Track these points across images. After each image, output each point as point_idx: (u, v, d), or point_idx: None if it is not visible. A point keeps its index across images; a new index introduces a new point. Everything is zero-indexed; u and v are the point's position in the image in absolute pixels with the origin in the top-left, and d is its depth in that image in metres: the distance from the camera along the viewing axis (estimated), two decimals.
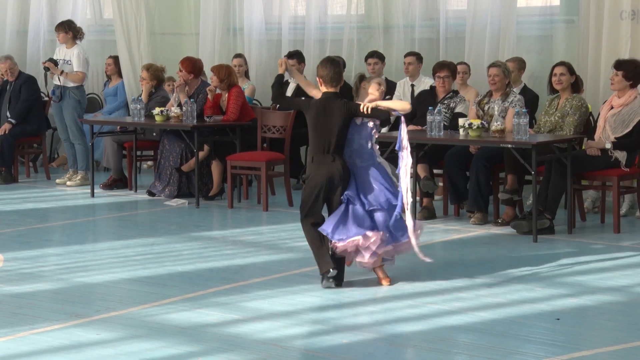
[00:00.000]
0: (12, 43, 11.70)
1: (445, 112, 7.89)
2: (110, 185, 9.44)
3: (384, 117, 5.65)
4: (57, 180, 9.85)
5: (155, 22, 10.98)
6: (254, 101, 9.88)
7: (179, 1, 10.99)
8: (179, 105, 8.77)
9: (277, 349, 4.48)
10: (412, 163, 6.02)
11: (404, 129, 5.54)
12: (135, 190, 9.27)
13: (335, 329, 4.81)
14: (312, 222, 5.61)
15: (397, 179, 5.58)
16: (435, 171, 7.97)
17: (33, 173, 10.57)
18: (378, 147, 5.70)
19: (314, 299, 5.38)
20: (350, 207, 5.50)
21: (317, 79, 5.68)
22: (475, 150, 7.65)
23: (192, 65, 8.97)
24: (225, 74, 8.74)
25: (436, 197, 8.23)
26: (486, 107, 7.71)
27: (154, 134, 9.39)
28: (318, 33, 10.14)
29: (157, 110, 8.67)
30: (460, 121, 7.37)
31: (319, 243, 5.56)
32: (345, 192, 5.51)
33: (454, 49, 9.37)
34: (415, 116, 8.19)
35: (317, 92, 5.81)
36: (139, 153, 9.63)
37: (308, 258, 6.42)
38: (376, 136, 5.65)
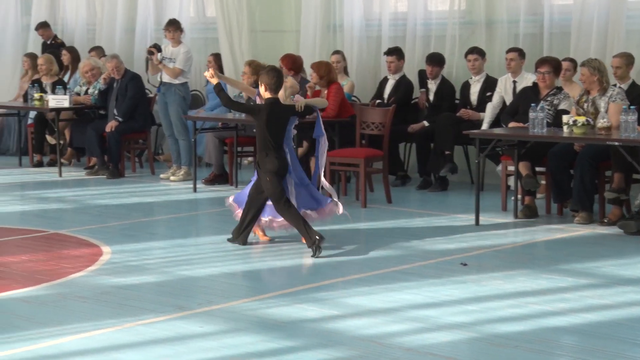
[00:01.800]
0: (122, 41, 12.04)
1: (549, 109, 7.71)
2: (211, 181, 9.61)
3: (311, 111, 6.75)
4: (161, 175, 10.09)
5: (256, 19, 11.12)
6: (353, 98, 9.89)
7: None
8: None
9: (376, 346, 4.47)
10: (515, 161, 6.93)
11: (320, 118, 6.82)
12: (236, 186, 9.41)
13: (435, 327, 4.77)
14: (289, 204, 6.46)
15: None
16: (537, 169, 7.81)
17: (138, 168, 10.86)
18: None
19: (414, 296, 5.35)
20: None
21: (262, 84, 6.57)
22: (579, 148, 7.46)
23: (293, 62, 9.04)
24: (325, 70, 8.78)
25: (538, 196, 8.07)
26: (585, 106, 7.52)
27: (254, 130, 9.48)
28: (419, 29, 10.07)
29: None
30: (564, 118, 7.20)
31: (300, 219, 6.44)
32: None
33: (558, 44, 9.16)
34: (517, 113, 8.05)
35: (248, 87, 7.34)
36: (239, 149, 9.77)
37: (407, 255, 6.40)
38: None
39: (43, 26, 12.24)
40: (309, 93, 8.83)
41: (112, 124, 10.06)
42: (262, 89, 6.60)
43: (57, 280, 5.70)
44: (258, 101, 6.82)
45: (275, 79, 6.52)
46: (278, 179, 6.51)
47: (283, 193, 6.50)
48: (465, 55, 9.19)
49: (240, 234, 6.71)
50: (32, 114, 11.23)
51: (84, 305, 5.18)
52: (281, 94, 6.70)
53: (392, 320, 4.89)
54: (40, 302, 5.25)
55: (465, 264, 6.07)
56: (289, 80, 7.02)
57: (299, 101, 6.70)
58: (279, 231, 6.85)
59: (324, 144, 6.83)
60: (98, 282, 5.67)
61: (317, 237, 6.34)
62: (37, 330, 4.70)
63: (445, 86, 9.40)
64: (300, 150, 8.67)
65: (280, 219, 6.64)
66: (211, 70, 6.91)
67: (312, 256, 6.32)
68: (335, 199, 6.79)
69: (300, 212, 6.54)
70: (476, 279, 5.70)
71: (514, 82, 8.80)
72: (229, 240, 6.78)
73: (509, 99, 8.70)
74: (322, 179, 6.80)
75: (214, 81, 6.81)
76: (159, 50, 9.69)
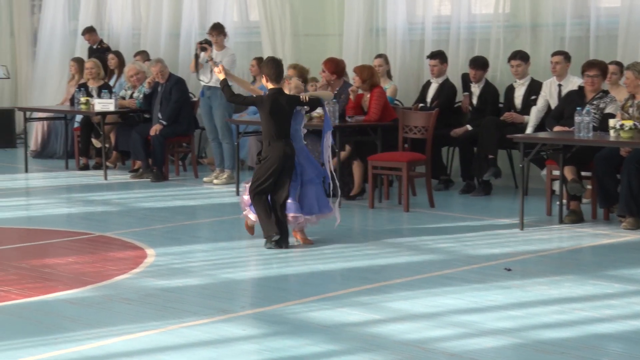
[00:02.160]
0: (167, 46, 12.14)
1: (595, 113, 7.61)
2: None
3: (318, 103, 6.83)
4: (205, 179, 10.16)
5: (299, 23, 11.15)
6: (396, 101, 9.86)
7: (323, 3, 11.11)
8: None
9: (419, 351, 4.45)
10: (560, 165, 7.03)
11: (327, 113, 7.01)
12: None
13: (478, 332, 4.73)
14: (264, 194, 6.62)
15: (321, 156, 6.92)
16: (583, 173, 7.71)
17: (182, 171, 10.94)
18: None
19: (457, 301, 5.31)
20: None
21: (263, 76, 6.70)
22: (626, 153, 7.35)
23: (335, 66, 9.04)
24: (368, 74, 8.77)
25: (584, 200, 7.96)
26: (630, 110, 7.41)
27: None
28: (462, 33, 10.01)
29: None
30: (611, 122, 7.10)
31: (268, 212, 6.61)
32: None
33: (605, 47, 9.04)
34: (563, 117, 7.95)
35: (254, 87, 7.34)
36: None
37: (450, 260, 6.36)
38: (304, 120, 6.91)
39: (89, 31, 12.41)
40: (351, 97, 8.83)
41: (156, 127, 10.15)
42: (263, 80, 6.73)
43: (102, 282, 5.77)
44: None
45: (275, 68, 6.64)
46: (272, 170, 6.56)
47: (266, 185, 6.58)
48: (508, 60, 9.11)
49: (268, 231, 6.66)
50: (79, 117, 11.38)
51: (128, 307, 5.23)
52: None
53: (435, 325, 4.86)
54: (86, 303, 5.31)
55: (509, 269, 6.02)
56: (294, 81, 7.07)
57: (304, 94, 6.86)
58: (311, 226, 6.90)
59: (328, 138, 6.90)
60: (142, 285, 5.72)
61: (276, 234, 6.57)
62: (83, 332, 4.75)
63: (488, 90, 9.33)
64: (343, 154, 8.67)
65: (307, 215, 6.72)
66: (220, 66, 7.03)
67: (264, 245, 6.63)
68: (335, 206, 6.88)
69: (302, 218, 6.68)
70: (521, 285, 5.64)
71: (559, 85, 8.70)
72: (268, 247, 6.68)
73: (554, 103, 8.60)
74: (331, 174, 6.85)
75: (222, 77, 6.94)
76: (211, 45, 9.69)
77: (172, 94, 10.21)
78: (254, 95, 7.06)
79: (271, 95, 6.67)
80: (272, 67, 6.67)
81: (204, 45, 9.53)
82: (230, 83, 7.02)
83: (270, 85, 6.69)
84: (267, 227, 6.63)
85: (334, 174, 6.90)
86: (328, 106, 8.62)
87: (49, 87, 13.23)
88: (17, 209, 8.62)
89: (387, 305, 5.24)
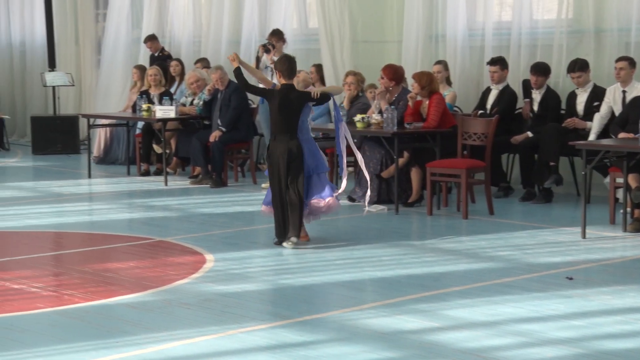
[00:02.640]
0: (227, 53, 12.21)
1: None
2: None
3: (327, 99, 7.03)
4: (263, 185, 10.20)
5: (358, 30, 11.15)
6: (455, 108, 9.79)
7: (382, 9, 11.10)
8: (380, 112, 8.85)
9: None
10: (624, 173, 6.97)
11: (336, 104, 7.19)
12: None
13: (539, 342, 4.66)
14: (276, 194, 6.92)
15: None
16: None
17: (241, 177, 11.02)
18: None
19: (517, 310, 5.24)
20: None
21: (276, 72, 6.98)
22: None
23: (394, 73, 9.02)
24: (427, 81, 8.72)
25: None
26: None
27: (355, 140, 9.51)
28: (523, 38, 9.89)
29: (358, 117, 8.79)
30: None
31: (277, 214, 6.95)
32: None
33: None
34: (627, 123, 7.80)
35: (264, 78, 7.54)
36: None
37: (510, 268, 6.28)
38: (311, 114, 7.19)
39: (151, 39, 12.60)
40: (410, 104, 8.79)
41: (215, 134, 10.24)
42: (276, 75, 7.04)
43: (162, 287, 5.84)
44: None
45: (287, 64, 6.96)
46: (273, 171, 6.90)
47: (274, 186, 6.90)
48: (568, 72, 8.95)
49: (289, 232, 6.89)
50: (140, 124, 11.54)
51: (188, 312, 5.28)
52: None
53: (495, 333, 4.80)
54: (147, 308, 5.38)
55: (571, 278, 5.92)
56: (301, 74, 7.44)
57: (314, 90, 7.14)
58: (313, 219, 7.19)
59: (342, 128, 7.05)
60: (201, 289, 5.78)
61: (292, 237, 6.82)
62: (143, 335, 4.81)
63: (550, 96, 9.20)
64: (401, 161, 8.64)
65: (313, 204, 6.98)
66: (234, 54, 7.28)
67: (274, 242, 6.97)
68: (337, 193, 7.05)
69: (311, 200, 6.94)
70: (583, 294, 5.54)
71: (624, 91, 8.53)
72: (276, 243, 6.98)
73: (617, 109, 8.44)
74: (345, 167, 7.06)
75: (235, 64, 7.17)
76: (274, 47, 9.72)
77: (232, 101, 10.29)
78: (266, 88, 7.31)
79: (282, 91, 6.95)
80: (284, 63, 6.97)
81: (267, 47, 9.57)
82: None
83: (282, 81, 6.98)
84: (281, 227, 6.97)
85: (346, 167, 7.13)
86: (381, 109, 8.66)
87: (112, 94, 13.45)
88: (81, 214, 8.79)
89: (446, 313, 5.19)
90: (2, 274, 6.11)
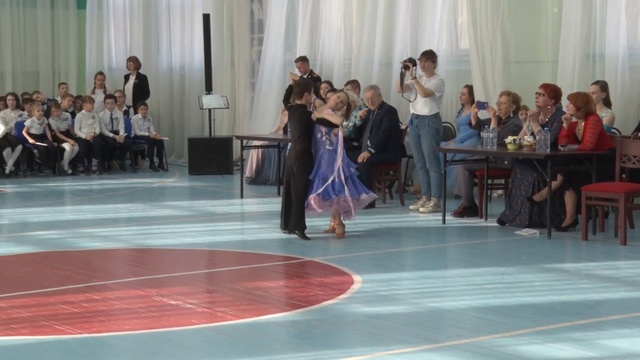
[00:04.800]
0: (379, 74, 12.30)
1: None
2: (461, 213, 9.54)
3: (324, 124, 8.23)
4: (411, 207, 10.17)
5: (510, 50, 10.96)
6: (613, 130, 9.42)
7: (536, 29, 10.86)
8: (532, 133, 8.63)
9: None
10: None
11: (339, 137, 8.31)
12: (486, 219, 9.28)
13: None
14: (286, 193, 8.36)
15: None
16: None
17: (388, 199, 11.01)
18: (326, 139, 8.27)
19: None
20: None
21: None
22: None
23: (555, 91, 8.78)
24: (583, 102, 8.44)
25: None
26: None
27: (506, 162, 9.33)
28: None
29: (509, 138, 8.61)
30: None
31: (284, 206, 8.44)
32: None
33: None
34: None
35: (329, 114, 8.36)
36: (490, 181, 9.63)
37: None
38: (323, 130, 8.28)
39: (302, 59, 12.84)
40: (564, 125, 8.53)
41: (364, 155, 10.29)
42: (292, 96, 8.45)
43: (311, 307, 5.90)
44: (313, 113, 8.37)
45: (297, 88, 8.36)
46: (286, 171, 8.45)
47: (286, 186, 8.41)
48: None
49: (290, 224, 8.31)
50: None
51: (335, 333, 5.31)
52: (327, 110, 8.37)
53: None
54: (296, 327, 5.44)
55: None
56: (331, 100, 8.54)
57: (315, 115, 8.31)
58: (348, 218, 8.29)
59: (338, 142, 8.27)
60: (349, 310, 5.79)
61: (281, 228, 8.41)
62: (290, 355, 4.87)
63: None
64: (555, 184, 8.39)
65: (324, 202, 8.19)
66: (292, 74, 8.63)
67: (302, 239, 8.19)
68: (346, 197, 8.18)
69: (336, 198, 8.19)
70: None
71: None
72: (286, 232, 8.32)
73: None
74: (339, 173, 8.19)
75: (292, 81, 8.70)
76: (414, 64, 9.67)
77: (383, 123, 10.31)
78: (288, 105, 8.69)
79: (293, 109, 8.42)
80: (295, 86, 8.42)
81: (407, 64, 9.56)
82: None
83: (296, 101, 8.33)
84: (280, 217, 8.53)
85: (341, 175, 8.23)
86: (533, 131, 8.46)
87: (268, 116, 13.79)
88: (233, 233, 9.03)
89: (603, 343, 4.98)
90: (160, 290, 6.35)
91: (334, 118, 8.32)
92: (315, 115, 8.27)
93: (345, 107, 9.16)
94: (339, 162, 8.24)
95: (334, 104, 8.46)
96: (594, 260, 7.33)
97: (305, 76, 12.83)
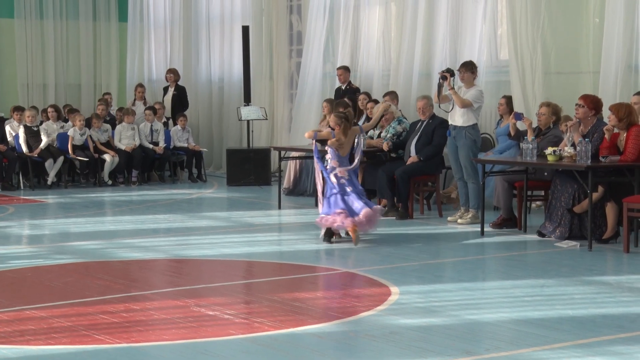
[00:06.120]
0: (419, 86, 12.25)
1: None
2: (499, 225, 9.46)
3: (321, 143, 8.92)
4: (449, 218, 10.11)
5: (551, 61, 10.86)
6: None
7: (577, 39, 10.76)
8: (573, 144, 8.54)
9: None
10: None
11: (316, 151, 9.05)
12: (525, 231, 9.19)
13: None
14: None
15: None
16: None
17: (426, 210, 10.97)
18: (329, 164, 8.77)
19: None
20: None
21: None
22: None
23: (596, 101, 8.70)
24: (625, 112, 8.34)
25: None
26: None
27: (545, 173, 9.25)
28: None
29: (549, 149, 8.53)
30: None
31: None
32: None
33: None
34: None
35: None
36: (529, 192, 9.55)
37: None
38: (327, 157, 8.83)
39: (344, 68, 12.85)
40: (606, 136, 8.43)
41: (412, 158, 10.30)
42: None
43: (348, 318, 5.88)
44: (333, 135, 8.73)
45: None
46: None
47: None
48: None
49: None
50: None
51: (373, 344, 5.29)
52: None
53: None
54: (333, 338, 5.43)
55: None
56: (332, 118, 8.87)
57: (309, 135, 8.89)
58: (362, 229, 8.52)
59: (317, 165, 9.00)
60: (387, 322, 5.77)
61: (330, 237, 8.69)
62: None
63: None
64: (595, 195, 8.29)
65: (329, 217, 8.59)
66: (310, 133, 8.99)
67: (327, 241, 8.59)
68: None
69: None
70: None
71: None
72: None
73: None
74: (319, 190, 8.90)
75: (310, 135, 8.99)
76: (452, 75, 9.67)
77: (435, 135, 10.29)
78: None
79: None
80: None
81: (444, 74, 9.57)
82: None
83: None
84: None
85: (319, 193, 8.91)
86: (574, 142, 8.40)
87: (307, 128, 13.79)
88: (270, 244, 9.05)
89: None
90: (198, 300, 6.39)
91: (324, 134, 8.84)
92: (309, 135, 8.87)
93: (383, 117, 9.42)
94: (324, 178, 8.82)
95: (334, 122, 8.79)
96: (635, 272, 7.22)
97: (343, 86, 12.87)
